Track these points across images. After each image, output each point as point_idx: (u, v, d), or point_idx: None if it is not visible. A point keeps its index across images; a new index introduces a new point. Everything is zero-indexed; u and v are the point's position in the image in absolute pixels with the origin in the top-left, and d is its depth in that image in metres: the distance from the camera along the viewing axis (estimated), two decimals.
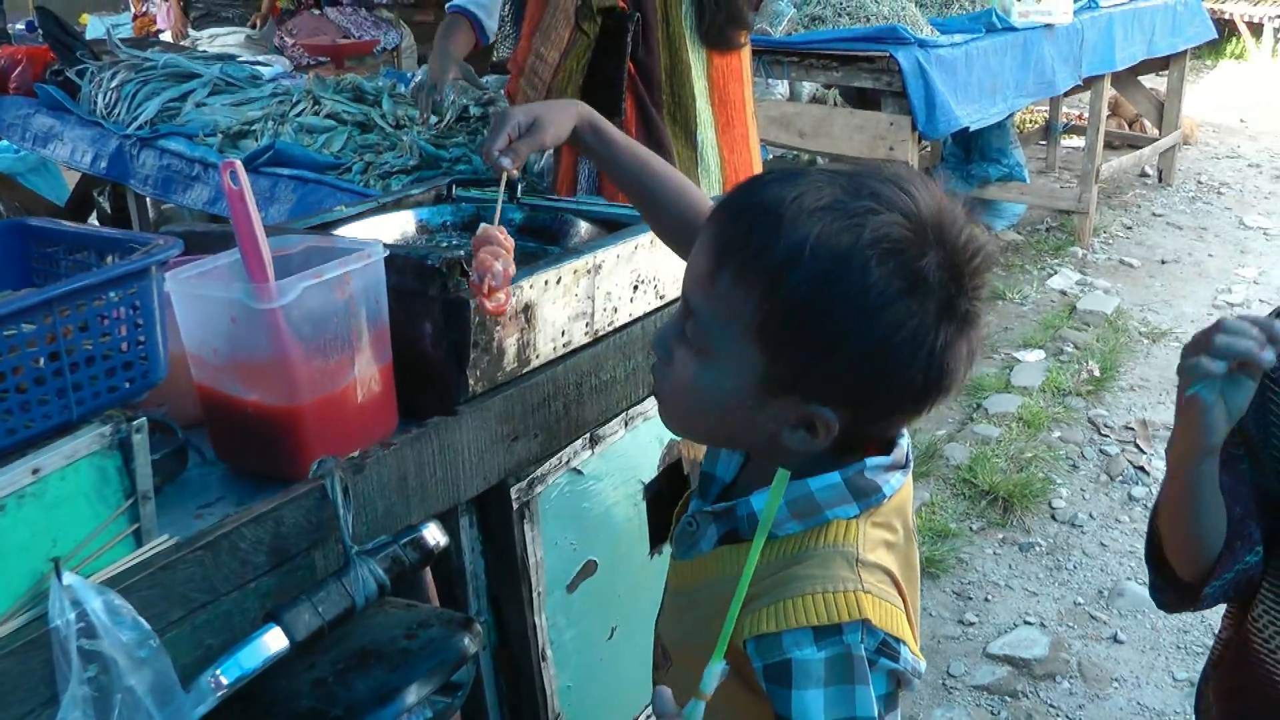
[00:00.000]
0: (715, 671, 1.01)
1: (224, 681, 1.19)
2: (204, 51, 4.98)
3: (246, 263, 1.34)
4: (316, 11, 8.04)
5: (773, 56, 4.74)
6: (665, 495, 2.00)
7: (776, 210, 1.06)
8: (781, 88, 5.88)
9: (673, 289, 1.91)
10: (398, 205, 2.12)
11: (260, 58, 4.85)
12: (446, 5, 3.46)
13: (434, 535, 1.37)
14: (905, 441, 1.20)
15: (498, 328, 1.55)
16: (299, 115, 3.55)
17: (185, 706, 1.14)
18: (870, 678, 1.07)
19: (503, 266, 1.34)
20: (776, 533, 1.13)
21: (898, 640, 1.09)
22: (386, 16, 7.11)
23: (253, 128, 3.55)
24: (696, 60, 2.64)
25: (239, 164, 1.26)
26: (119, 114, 3.88)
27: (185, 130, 3.66)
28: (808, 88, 6.20)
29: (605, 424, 1.77)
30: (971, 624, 3.18)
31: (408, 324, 1.53)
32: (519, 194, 2.11)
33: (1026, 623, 3.20)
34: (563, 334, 1.68)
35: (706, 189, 2.65)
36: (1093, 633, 3.16)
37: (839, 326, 1.04)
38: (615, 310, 1.77)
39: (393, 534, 1.35)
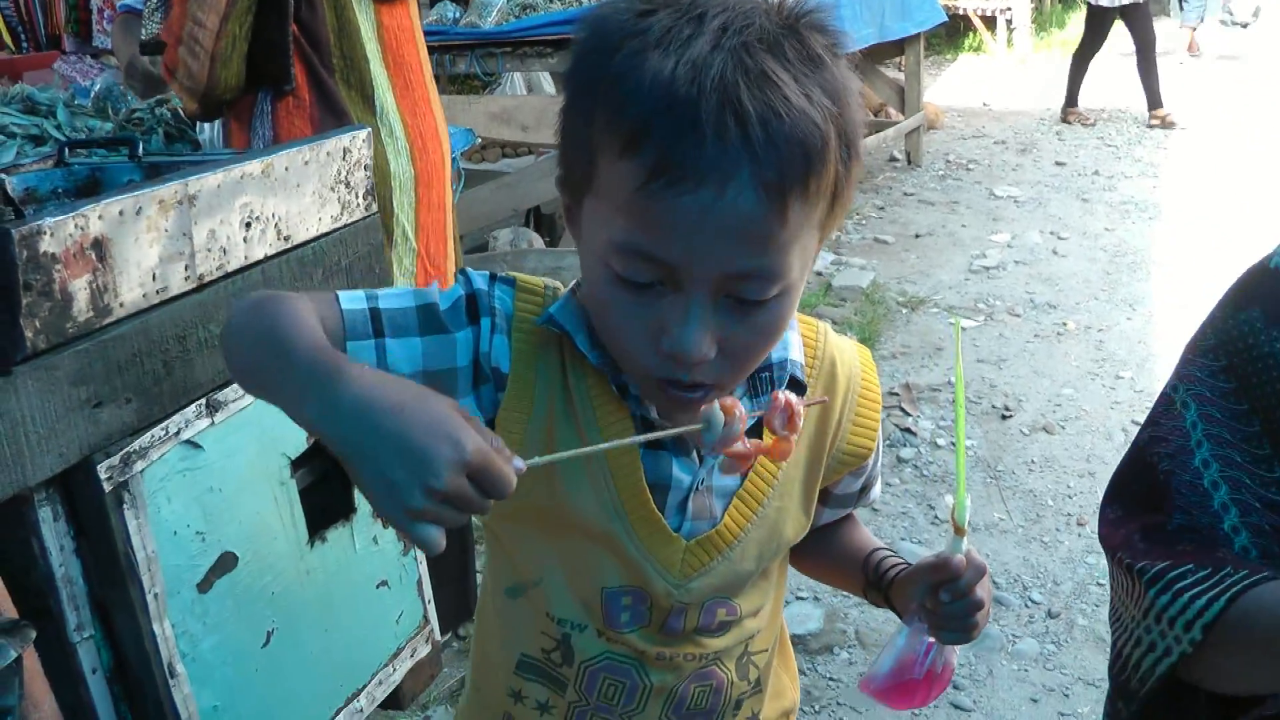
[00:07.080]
0: (966, 504, 1.02)
1: None
2: None
3: None
4: None
5: (485, 49, 4.50)
6: (333, 473, 1.73)
7: (771, 102, 0.85)
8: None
9: (300, 231, 1.64)
10: (4, 173, 1.81)
11: None
12: (118, 5, 3.25)
13: None
14: None
15: (58, 267, 1.27)
16: None
17: None
18: None
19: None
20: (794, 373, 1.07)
21: None
22: (114, 63, 6.71)
23: None
24: (365, 20, 2.47)
25: None
26: None
27: None
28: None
29: (225, 387, 1.49)
30: None
31: None
32: (140, 153, 1.85)
33: (799, 598, 3.03)
34: (154, 278, 1.39)
35: (393, 154, 2.44)
36: None
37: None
38: (225, 252, 1.49)
39: None
